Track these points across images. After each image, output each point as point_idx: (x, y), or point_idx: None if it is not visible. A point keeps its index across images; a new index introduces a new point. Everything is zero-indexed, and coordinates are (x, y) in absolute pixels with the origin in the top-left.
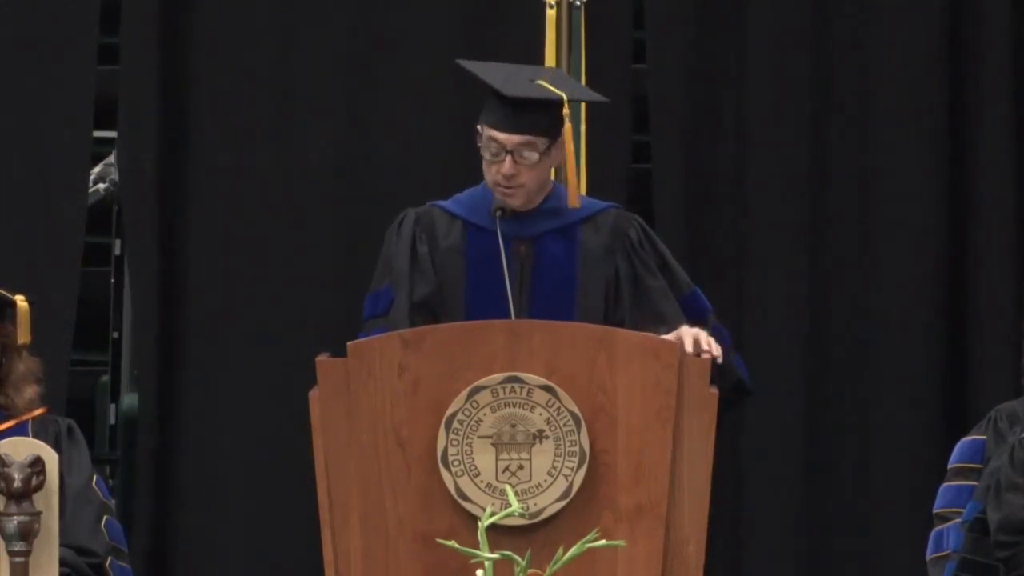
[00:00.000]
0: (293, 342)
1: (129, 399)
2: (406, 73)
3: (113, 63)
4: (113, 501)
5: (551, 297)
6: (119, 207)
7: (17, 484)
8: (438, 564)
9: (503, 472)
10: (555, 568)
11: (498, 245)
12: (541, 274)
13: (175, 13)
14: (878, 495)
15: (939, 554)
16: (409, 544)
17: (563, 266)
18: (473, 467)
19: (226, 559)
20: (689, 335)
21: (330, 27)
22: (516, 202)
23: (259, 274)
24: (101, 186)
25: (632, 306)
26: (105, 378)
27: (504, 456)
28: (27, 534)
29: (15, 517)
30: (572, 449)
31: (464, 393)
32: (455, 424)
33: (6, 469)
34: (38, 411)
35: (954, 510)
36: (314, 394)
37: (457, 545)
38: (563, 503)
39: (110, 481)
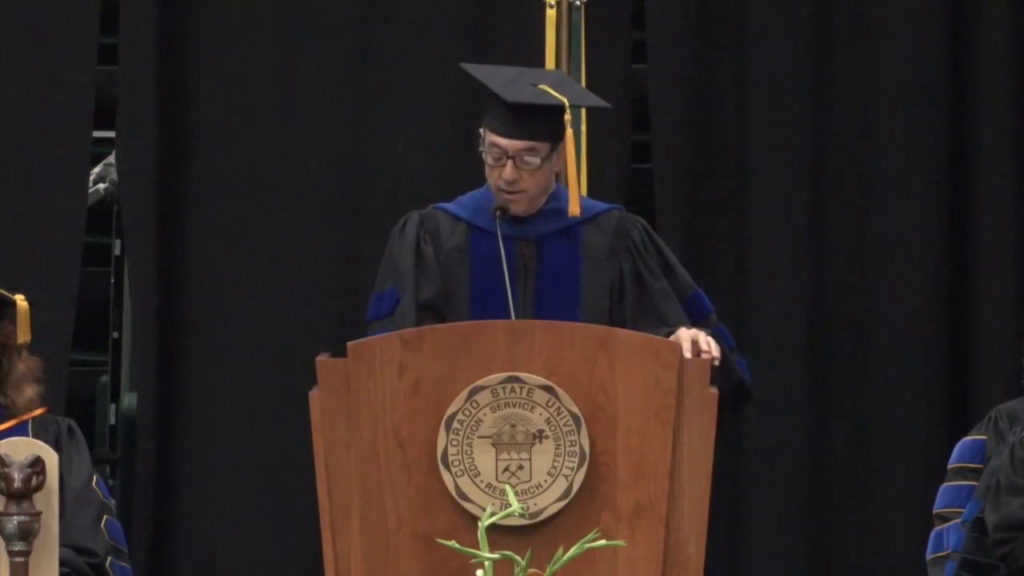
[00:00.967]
0: (293, 342)
1: (129, 399)
2: (406, 72)
3: (113, 63)
4: (113, 501)
5: (555, 298)
6: (119, 207)
7: (17, 484)
8: (438, 564)
9: (503, 472)
10: (555, 568)
11: (501, 248)
12: (545, 275)
13: (174, 13)
14: (878, 495)
15: (939, 554)
16: (409, 544)
17: (567, 267)
18: (473, 467)
19: (226, 559)
20: (687, 336)
21: (330, 27)
22: (519, 207)
23: (259, 274)
24: (101, 186)
25: (634, 307)
26: (105, 378)
27: (504, 456)
28: (27, 534)
29: (15, 517)
30: (572, 449)
31: (464, 393)
32: (455, 424)
33: (6, 469)
34: (38, 411)
35: (954, 510)
36: (314, 394)
37: (457, 545)
38: (563, 503)
39: (110, 481)
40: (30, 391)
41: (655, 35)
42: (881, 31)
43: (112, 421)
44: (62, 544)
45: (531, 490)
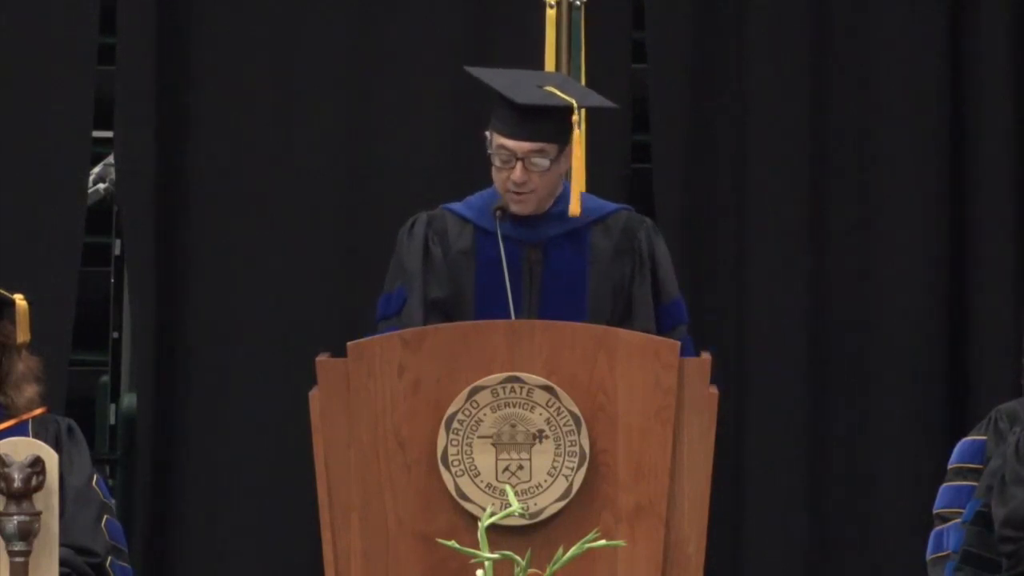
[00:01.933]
0: (293, 342)
1: (129, 399)
2: (407, 72)
3: (113, 63)
4: (113, 501)
5: (561, 301)
6: (119, 207)
7: (17, 484)
8: (438, 564)
9: (503, 472)
10: (555, 568)
11: (508, 249)
12: (551, 278)
13: (173, 13)
14: (878, 495)
15: (939, 554)
16: (409, 544)
17: (572, 271)
18: (473, 467)
19: (226, 559)
20: None
21: (331, 26)
22: (527, 208)
23: (259, 274)
24: (101, 186)
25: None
26: (105, 378)
27: (504, 456)
28: (27, 534)
29: (15, 517)
30: (572, 449)
31: (464, 393)
32: (455, 424)
33: (6, 469)
34: (38, 411)
35: (954, 510)
36: (314, 394)
37: (457, 545)
38: (563, 503)
39: (110, 481)
40: (30, 391)
41: (655, 35)
42: (881, 31)
43: (112, 421)
44: (62, 544)
45: (531, 490)
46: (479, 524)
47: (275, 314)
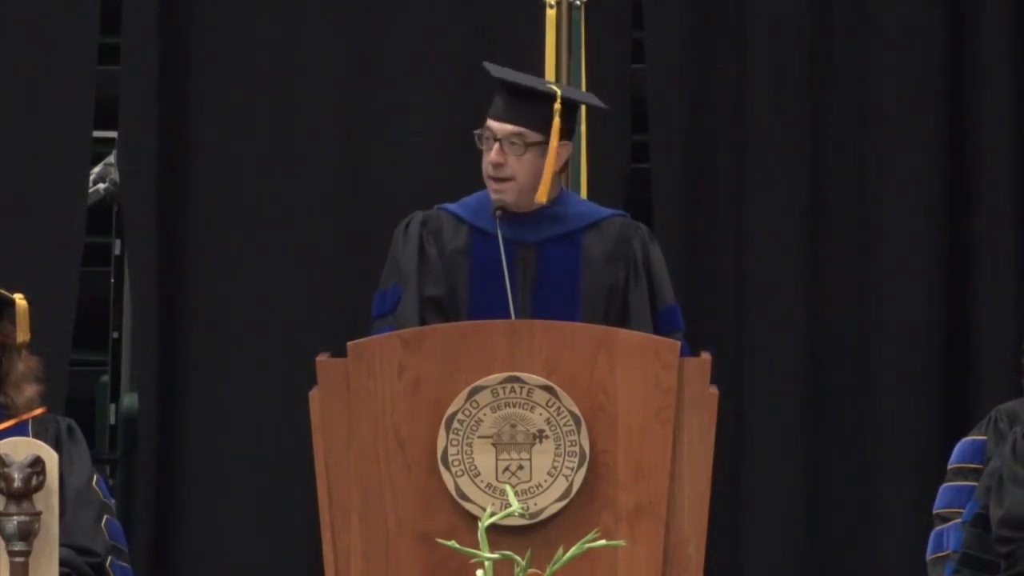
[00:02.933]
0: (293, 342)
1: (129, 399)
2: (406, 72)
3: (113, 63)
4: (113, 501)
5: (554, 303)
6: (119, 207)
7: (17, 484)
8: (438, 564)
9: (503, 472)
10: (555, 568)
11: (501, 249)
12: (544, 280)
13: (175, 13)
14: (878, 495)
15: (939, 554)
16: (409, 544)
17: (566, 273)
18: (473, 467)
19: (226, 559)
20: None
21: (331, 26)
22: (507, 197)
23: (259, 274)
24: (101, 186)
25: (617, 315)
26: (105, 378)
27: (504, 456)
28: (27, 534)
29: (15, 517)
30: (572, 449)
31: (464, 393)
32: (455, 424)
33: (6, 469)
34: (38, 411)
35: (954, 510)
36: (314, 394)
37: (457, 545)
38: (563, 503)
39: (110, 481)
40: (30, 391)
41: (654, 35)
42: (881, 31)
43: (112, 421)
44: (62, 544)
45: (531, 490)
46: (479, 524)
47: (275, 314)
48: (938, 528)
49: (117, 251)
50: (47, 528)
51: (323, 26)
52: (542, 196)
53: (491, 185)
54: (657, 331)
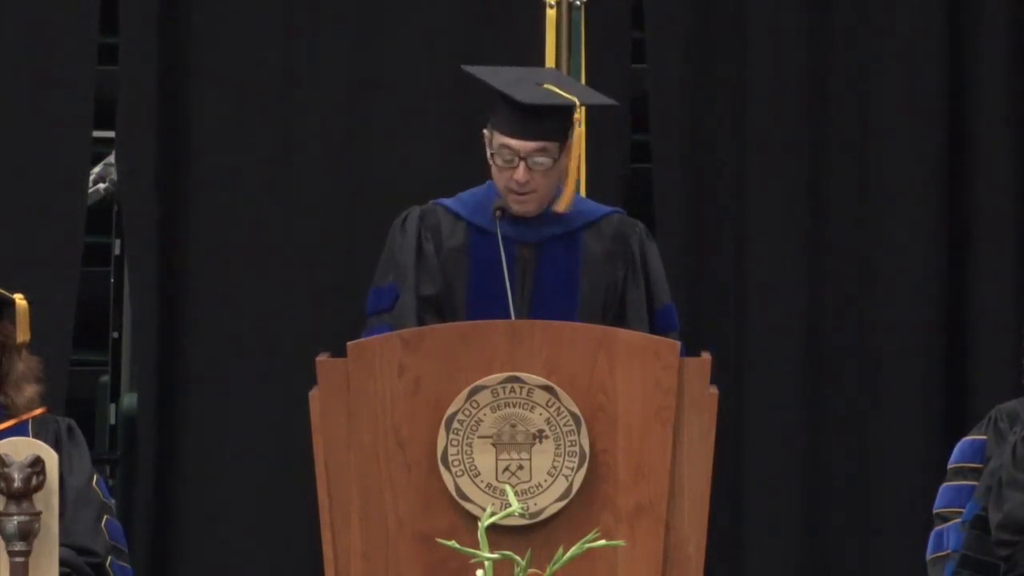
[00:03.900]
0: (293, 342)
1: (129, 399)
2: (406, 72)
3: (113, 63)
4: (113, 501)
5: (552, 303)
6: (119, 207)
7: (17, 484)
8: (438, 564)
9: (503, 472)
10: (555, 568)
11: (501, 248)
12: (543, 280)
13: (174, 13)
14: (878, 495)
15: (939, 554)
16: (409, 544)
17: (565, 273)
18: (473, 467)
19: (226, 559)
20: None
21: (331, 26)
22: (529, 208)
23: (259, 274)
24: (101, 186)
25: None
26: (105, 378)
27: (504, 456)
28: (27, 534)
29: (15, 517)
30: (572, 449)
31: (464, 393)
32: (455, 424)
33: (6, 469)
34: (38, 411)
35: (954, 510)
36: (314, 394)
37: (457, 545)
38: (563, 503)
39: (110, 481)
40: (30, 391)
41: (654, 35)
42: (881, 31)
43: (112, 421)
44: (62, 544)
45: (531, 490)
46: (479, 524)
47: (275, 314)
48: (938, 528)
49: (117, 251)
50: (47, 528)
51: (323, 26)
52: (565, 204)
53: (514, 199)
54: (653, 330)
